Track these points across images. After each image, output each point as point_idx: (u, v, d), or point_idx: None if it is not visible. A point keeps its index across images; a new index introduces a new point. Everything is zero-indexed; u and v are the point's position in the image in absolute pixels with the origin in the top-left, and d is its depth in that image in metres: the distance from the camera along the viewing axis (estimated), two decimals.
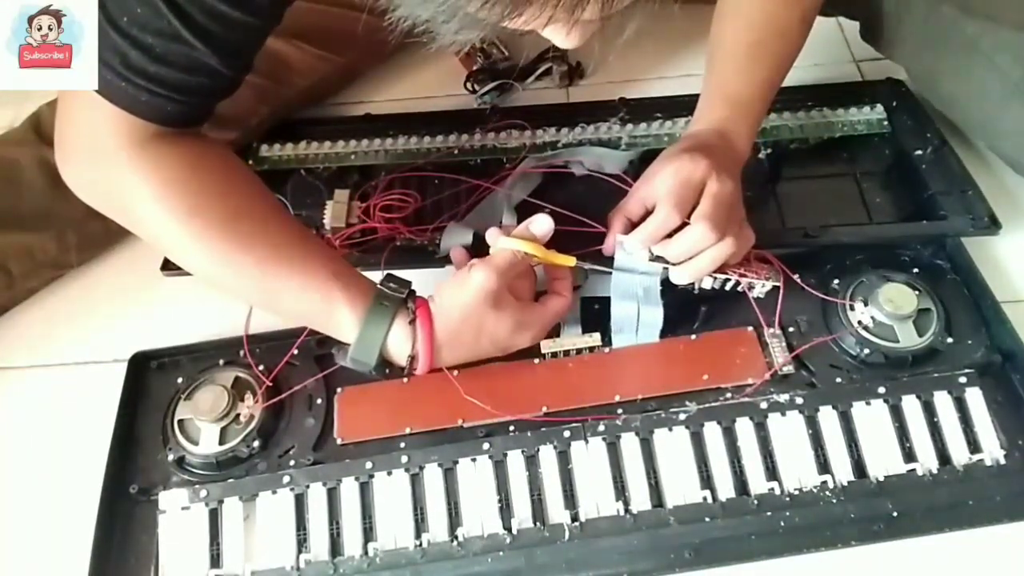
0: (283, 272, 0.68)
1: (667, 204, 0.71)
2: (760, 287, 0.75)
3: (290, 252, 0.69)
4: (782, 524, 0.65)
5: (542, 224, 0.72)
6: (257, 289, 0.70)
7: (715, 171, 0.71)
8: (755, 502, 0.66)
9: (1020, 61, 0.78)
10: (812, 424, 0.69)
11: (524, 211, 0.82)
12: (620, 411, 0.71)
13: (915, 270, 0.77)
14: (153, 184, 0.66)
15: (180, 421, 0.73)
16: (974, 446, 0.68)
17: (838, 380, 0.72)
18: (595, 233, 0.77)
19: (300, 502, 0.68)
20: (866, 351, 0.72)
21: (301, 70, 0.95)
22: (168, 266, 0.83)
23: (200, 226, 0.66)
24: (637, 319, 0.75)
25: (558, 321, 0.75)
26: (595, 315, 0.77)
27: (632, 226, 0.73)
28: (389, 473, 0.69)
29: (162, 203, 0.66)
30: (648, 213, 0.73)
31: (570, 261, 0.72)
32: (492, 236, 0.73)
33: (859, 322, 0.73)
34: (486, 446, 0.69)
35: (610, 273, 0.75)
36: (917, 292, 0.74)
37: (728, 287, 0.75)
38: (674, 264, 0.72)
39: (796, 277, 0.76)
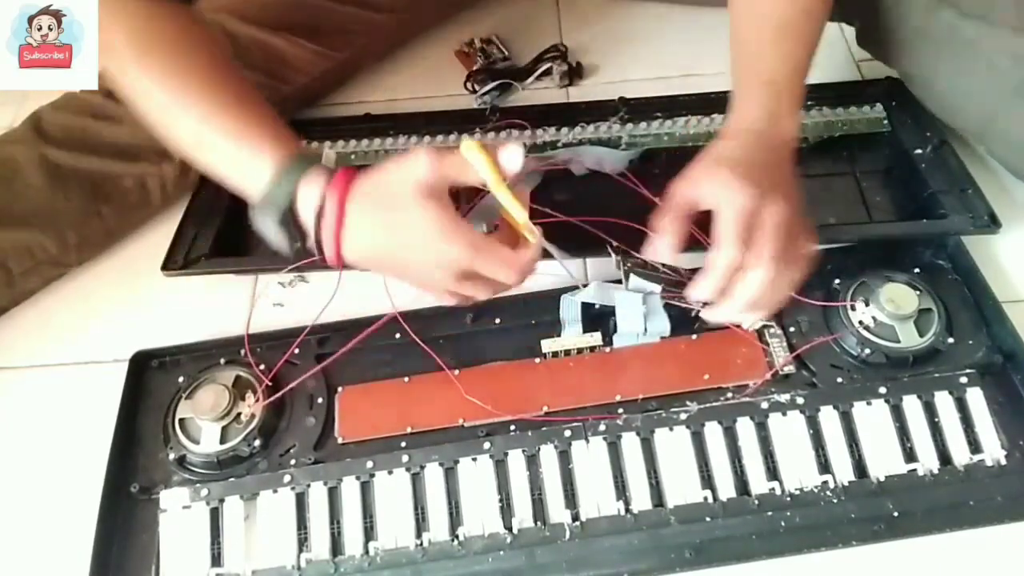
0: (218, 113, 0.66)
1: (733, 247, 0.62)
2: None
3: (234, 100, 0.67)
4: (783, 524, 0.65)
5: (511, 156, 0.62)
6: (191, 130, 0.67)
7: (772, 194, 0.63)
8: (756, 502, 0.66)
9: (1019, 64, 0.78)
10: (813, 424, 0.69)
11: None
12: (621, 411, 0.71)
13: (916, 270, 0.77)
14: (116, 31, 0.69)
15: (181, 420, 0.73)
16: (975, 446, 0.68)
17: (839, 380, 0.72)
18: (594, 232, 0.78)
19: (301, 501, 0.68)
20: (867, 351, 0.72)
21: (299, 67, 0.95)
22: (168, 266, 0.83)
23: (147, 66, 0.68)
24: (644, 332, 0.75)
25: (492, 274, 0.64)
26: (595, 315, 0.77)
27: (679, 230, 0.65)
28: (390, 472, 0.69)
29: (114, 42, 0.70)
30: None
31: (531, 234, 0.64)
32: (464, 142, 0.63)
33: (860, 322, 0.73)
34: (487, 445, 0.69)
35: (568, 258, 0.69)
36: (918, 292, 0.74)
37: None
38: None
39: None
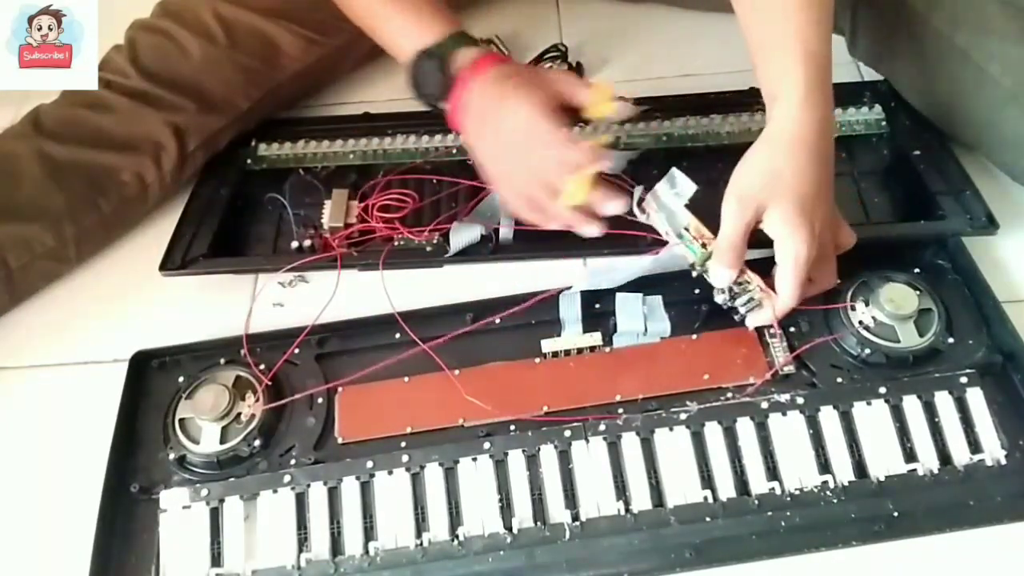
0: None
1: (792, 284, 0.68)
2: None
3: None
4: (783, 524, 0.65)
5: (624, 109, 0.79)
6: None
7: (819, 225, 0.68)
8: (756, 502, 0.66)
9: (1011, 70, 0.78)
10: (813, 424, 0.69)
11: None
12: (621, 411, 0.71)
13: (916, 270, 0.77)
14: None
15: (181, 420, 0.73)
16: (975, 446, 0.68)
17: (839, 380, 0.72)
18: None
19: (301, 501, 0.68)
20: (867, 351, 0.72)
21: (292, 53, 0.95)
22: (166, 266, 0.83)
23: None
24: (644, 332, 0.75)
25: (576, 164, 0.73)
26: (596, 315, 0.77)
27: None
28: (390, 472, 0.69)
29: None
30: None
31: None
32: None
33: (860, 322, 0.73)
34: (487, 445, 0.69)
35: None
36: (918, 292, 0.74)
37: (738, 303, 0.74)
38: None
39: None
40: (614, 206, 0.74)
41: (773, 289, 0.70)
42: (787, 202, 0.67)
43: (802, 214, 0.67)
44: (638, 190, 0.75)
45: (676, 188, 0.73)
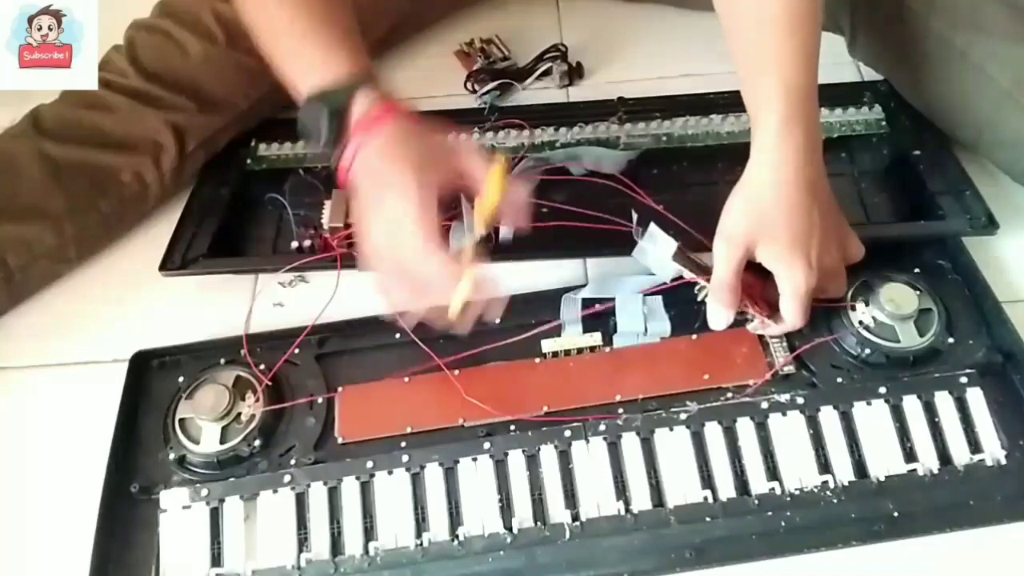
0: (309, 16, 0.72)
1: (796, 314, 0.69)
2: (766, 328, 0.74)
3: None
4: (783, 524, 0.65)
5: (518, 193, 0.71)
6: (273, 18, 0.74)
7: (816, 253, 0.68)
8: (756, 502, 0.66)
9: (1009, 70, 0.78)
10: (813, 424, 0.69)
11: None
12: (621, 411, 0.71)
13: (916, 270, 0.77)
14: None
15: (181, 420, 0.73)
16: (975, 446, 0.68)
17: (839, 380, 0.72)
18: (593, 231, 0.78)
19: (301, 501, 0.68)
20: (867, 351, 0.72)
21: None
22: (166, 266, 0.83)
23: None
24: (644, 332, 0.75)
25: (424, 276, 0.67)
26: (595, 315, 0.77)
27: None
28: (390, 472, 0.69)
29: None
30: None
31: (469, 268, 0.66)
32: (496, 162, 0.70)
33: (860, 322, 0.73)
34: (487, 445, 0.69)
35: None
36: (918, 292, 0.74)
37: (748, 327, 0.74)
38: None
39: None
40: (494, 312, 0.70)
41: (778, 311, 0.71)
42: (776, 240, 0.68)
43: (794, 249, 0.67)
44: (636, 232, 0.75)
45: (657, 245, 0.73)
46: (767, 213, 0.68)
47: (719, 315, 0.71)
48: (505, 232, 0.81)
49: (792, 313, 0.69)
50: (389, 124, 0.68)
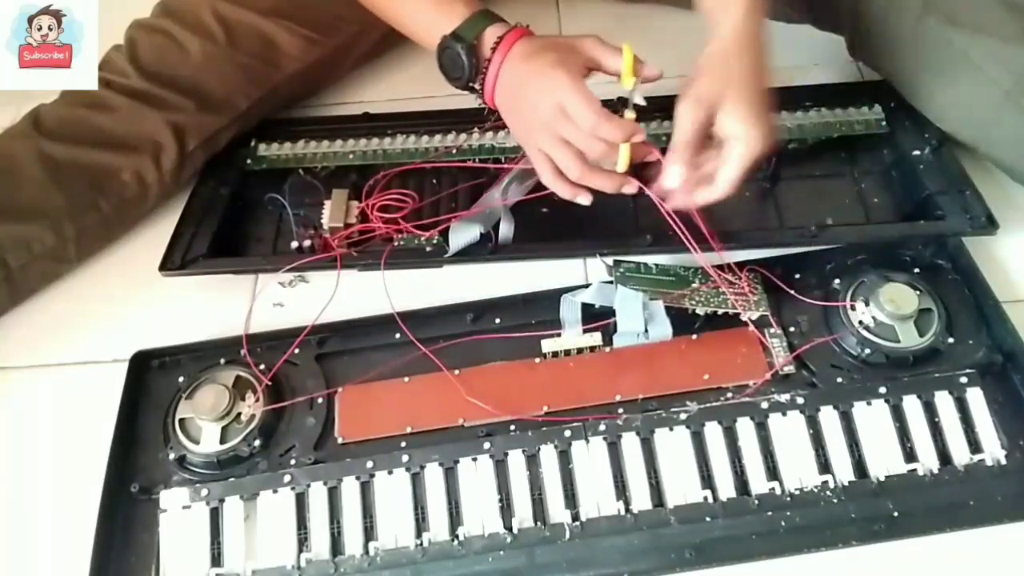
0: None
1: (734, 176, 0.72)
2: (750, 314, 0.74)
3: None
4: (783, 524, 0.65)
5: (651, 70, 0.76)
6: None
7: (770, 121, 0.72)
8: (756, 502, 0.66)
9: (1009, 70, 0.78)
10: (813, 424, 0.69)
11: (521, 210, 0.83)
12: (621, 411, 0.71)
13: (916, 270, 0.77)
14: None
15: (181, 420, 0.73)
16: (975, 446, 0.68)
17: (839, 380, 0.72)
18: (593, 231, 0.77)
19: (301, 501, 0.68)
20: (867, 351, 0.72)
21: (291, 52, 0.95)
22: (166, 266, 0.83)
23: None
24: (644, 332, 0.75)
25: (589, 132, 0.73)
26: (595, 315, 0.76)
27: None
28: (390, 472, 0.69)
29: None
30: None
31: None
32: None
33: (860, 322, 0.73)
34: (487, 445, 0.69)
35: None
36: (918, 292, 0.74)
37: (720, 312, 0.75)
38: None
39: (792, 291, 0.76)
40: (655, 155, 0.77)
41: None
42: (740, 101, 0.71)
43: (758, 112, 0.71)
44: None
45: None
46: (732, 76, 0.72)
47: (675, 173, 0.74)
48: (505, 232, 0.81)
49: (732, 180, 0.72)
50: (520, 42, 0.75)
